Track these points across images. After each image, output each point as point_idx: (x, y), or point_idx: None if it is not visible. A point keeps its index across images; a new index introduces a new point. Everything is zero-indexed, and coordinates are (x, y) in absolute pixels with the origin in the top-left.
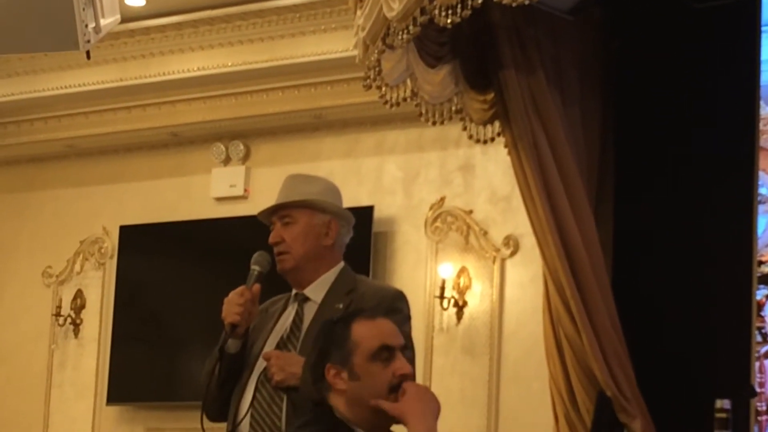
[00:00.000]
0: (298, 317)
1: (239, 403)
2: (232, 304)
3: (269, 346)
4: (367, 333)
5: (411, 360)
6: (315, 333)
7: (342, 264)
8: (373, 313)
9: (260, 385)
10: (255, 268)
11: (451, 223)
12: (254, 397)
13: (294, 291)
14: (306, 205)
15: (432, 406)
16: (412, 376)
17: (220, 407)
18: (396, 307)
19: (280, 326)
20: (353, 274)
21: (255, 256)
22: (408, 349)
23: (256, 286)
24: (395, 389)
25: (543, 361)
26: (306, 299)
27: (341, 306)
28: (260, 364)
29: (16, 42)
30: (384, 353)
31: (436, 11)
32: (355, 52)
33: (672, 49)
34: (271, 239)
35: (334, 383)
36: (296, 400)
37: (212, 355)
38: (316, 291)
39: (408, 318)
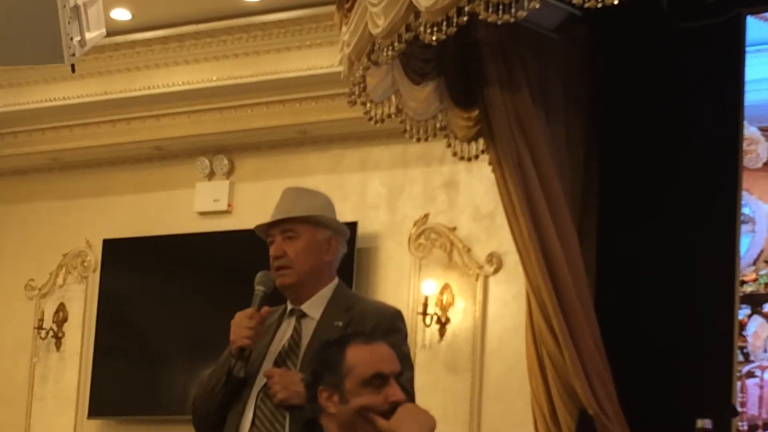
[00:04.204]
0: (297, 333)
1: (240, 421)
2: (241, 327)
3: (267, 362)
4: (361, 358)
5: (411, 380)
6: (313, 351)
7: (336, 280)
8: (370, 337)
9: (260, 402)
10: (260, 289)
11: (434, 240)
12: (255, 414)
13: (289, 305)
14: (310, 221)
15: (425, 424)
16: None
17: (215, 428)
18: (396, 326)
19: (277, 342)
20: (348, 291)
21: (259, 276)
22: (409, 368)
23: (265, 309)
24: (386, 416)
25: (525, 378)
26: (303, 315)
27: (340, 324)
28: (259, 381)
29: (0, 55)
30: (377, 380)
31: (422, 28)
32: (341, 68)
33: (657, 69)
34: (273, 252)
35: (326, 406)
36: (299, 419)
37: (206, 375)
38: (313, 307)
39: (406, 336)
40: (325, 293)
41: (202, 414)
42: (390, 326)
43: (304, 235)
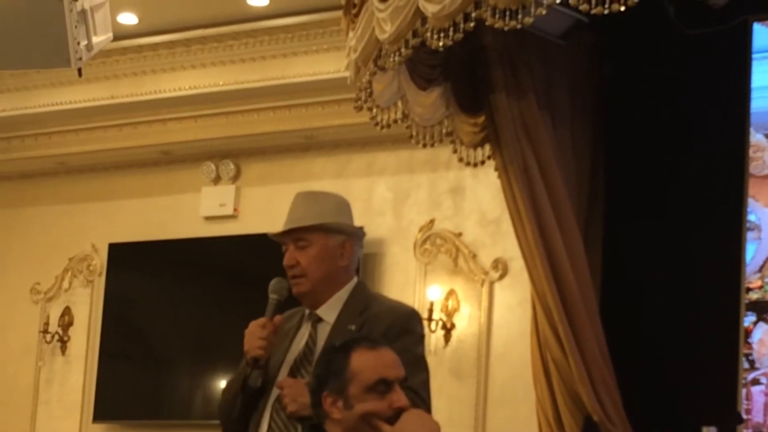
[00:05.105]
0: (311, 340)
1: (257, 431)
2: (254, 337)
3: (285, 369)
4: (365, 364)
5: (425, 382)
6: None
7: (355, 280)
8: (376, 342)
9: (275, 413)
10: (273, 297)
11: (440, 246)
12: (269, 425)
13: (307, 310)
14: (321, 228)
15: (430, 430)
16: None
17: None
18: (410, 327)
19: (294, 349)
20: (365, 291)
21: (273, 283)
22: (423, 371)
23: (278, 318)
24: (391, 421)
25: (530, 384)
26: (319, 320)
27: (353, 327)
28: (276, 390)
29: (7, 58)
30: (381, 386)
31: (429, 34)
32: (347, 74)
33: (663, 75)
34: (286, 262)
35: (330, 412)
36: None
37: (230, 381)
38: (329, 311)
39: (422, 338)
40: (341, 295)
41: (225, 421)
42: (403, 327)
43: (315, 243)
